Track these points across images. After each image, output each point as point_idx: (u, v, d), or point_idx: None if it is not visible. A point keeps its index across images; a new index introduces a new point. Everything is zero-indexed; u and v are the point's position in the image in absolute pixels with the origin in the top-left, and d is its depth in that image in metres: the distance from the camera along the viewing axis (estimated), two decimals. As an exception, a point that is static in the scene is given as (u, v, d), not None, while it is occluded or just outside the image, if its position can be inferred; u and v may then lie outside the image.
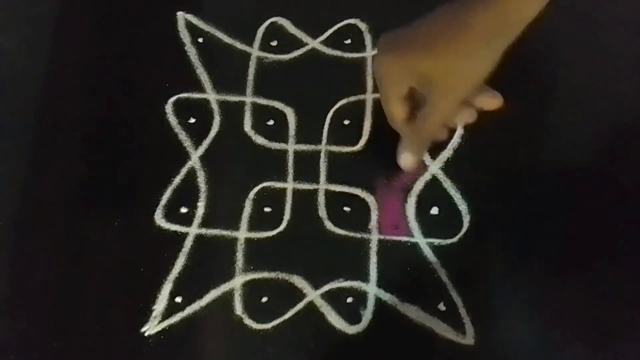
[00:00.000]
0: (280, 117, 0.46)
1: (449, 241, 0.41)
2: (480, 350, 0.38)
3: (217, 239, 0.42)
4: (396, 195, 0.43)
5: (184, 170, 0.44)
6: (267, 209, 0.43)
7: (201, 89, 0.47)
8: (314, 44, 0.48)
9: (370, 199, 0.43)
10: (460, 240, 0.41)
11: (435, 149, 0.44)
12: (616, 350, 0.38)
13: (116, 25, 0.50)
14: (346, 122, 0.45)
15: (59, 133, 0.46)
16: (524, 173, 0.43)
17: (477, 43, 0.33)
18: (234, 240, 0.42)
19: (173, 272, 0.41)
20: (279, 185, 0.44)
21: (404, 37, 0.35)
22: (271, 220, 0.43)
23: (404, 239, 0.42)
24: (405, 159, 0.40)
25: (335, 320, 0.40)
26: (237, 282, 0.41)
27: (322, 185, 0.43)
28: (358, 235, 0.42)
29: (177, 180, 0.44)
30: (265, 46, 0.48)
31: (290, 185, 0.44)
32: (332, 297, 0.40)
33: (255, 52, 0.48)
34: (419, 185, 0.43)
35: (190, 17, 0.49)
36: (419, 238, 0.42)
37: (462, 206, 0.42)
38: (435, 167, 0.43)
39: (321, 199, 0.43)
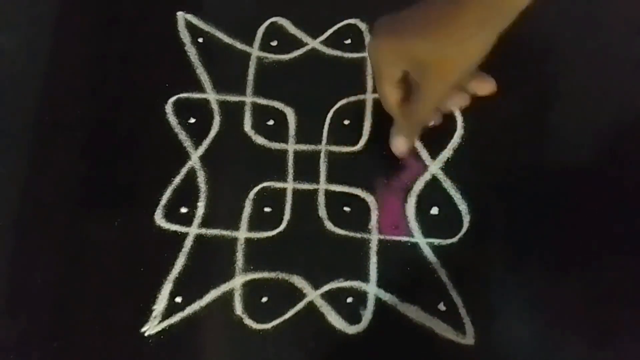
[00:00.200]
0: (280, 117, 0.46)
1: (449, 241, 0.41)
2: (480, 350, 0.38)
3: (217, 239, 0.42)
4: (396, 195, 0.43)
5: (184, 170, 0.44)
6: (267, 209, 0.43)
7: (201, 89, 0.47)
8: (314, 44, 0.48)
9: (370, 199, 0.43)
10: (460, 240, 0.41)
11: (435, 149, 0.44)
12: (616, 350, 0.38)
13: (116, 25, 0.50)
14: (346, 122, 0.45)
15: (59, 133, 0.46)
16: (524, 173, 0.43)
17: (470, 28, 0.33)
18: (234, 240, 0.42)
19: (173, 272, 0.41)
20: (279, 185, 0.44)
21: (399, 21, 0.36)
22: (271, 220, 0.43)
23: (404, 239, 0.42)
24: (398, 143, 0.42)
25: (335, 320, 0.40)
26: (237, 282, 0.41)
27: (322, 185, 0.43)
28: (358, 235, 0.42)
29: (177, 180, 0.44)
30: (265, 46, 0.48)
31: (290, 185, 0.44)
32: (332, 297, 0.40)
33: (255, 52, 0.48)
34: (419, 185, 0.43)
35: (190, 17, 0.49)
36: (419, 238, 0.42)
37: (462, 206, 0.42)
38: (435, 167, 0.43)
39: (321, 199, 0.43)
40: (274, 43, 0.48)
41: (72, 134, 0.46)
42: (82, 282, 0.41)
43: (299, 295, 0.40)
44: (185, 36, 0.49)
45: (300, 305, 0.40)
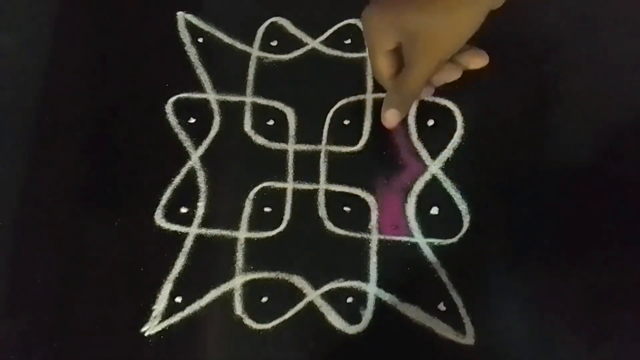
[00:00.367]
0: (280, 117, 0.46)
1: (449, 241, 0.41)
2: (480, 350, 0.38)
3: (217, 239, 0.42)
4: (396, 195, 0.43)
5: (184, 170, 0.44)
6: (267, 209, 0.43)
7: (201, 89, 0.47)
8: (314, 44, 0.48)
9: (370, 199, 0.43)
10: (460, 240, 0.41)
11: (435, 149, 0.44)
12: (616, 350, 0.38)
13: (116, 25, 0.50)
14: (346, 122, 0.45)
15: (59, 133, 0.46)
16: (524, 173, 0.43)
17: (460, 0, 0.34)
18: (234, 240, 0.42)
19: (173, 272, 0.41)
20: (279, 185, 0.44)
21: None
22: (271, 220, 0.43)
23: (404, 239, 0.42)
24: (389, 115, 0.42)
25: (335, 320, 0.40)
26: (237, 282, 0.41)
27: (322, 185, 0.43)
28: (358, 235, 0.42)
29: (177, 180, 0.44)
30: (265, 46, 0.48)
31: (290, 185, 0.44)
32: (332, 297, 0.40)
33: (255, 52, 0.48)
34: (419, 185, 0.43)
35: (190, 17, 0.49)
36: (419, 238, 0.42)
37: (462, 206, 0.42)
38: (435, 167, 0.43)
39: (321, 199, 0.43)
40: (274, 43, 0.48)
41: (72, 134, 0.46)
42: (82, 282, 0.41)
43: (299, 295, 0.40)
44: (185, 36, 0.49)
45: (300, 305, 0.40)
